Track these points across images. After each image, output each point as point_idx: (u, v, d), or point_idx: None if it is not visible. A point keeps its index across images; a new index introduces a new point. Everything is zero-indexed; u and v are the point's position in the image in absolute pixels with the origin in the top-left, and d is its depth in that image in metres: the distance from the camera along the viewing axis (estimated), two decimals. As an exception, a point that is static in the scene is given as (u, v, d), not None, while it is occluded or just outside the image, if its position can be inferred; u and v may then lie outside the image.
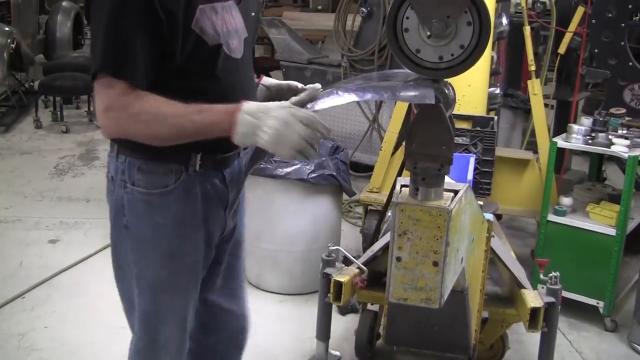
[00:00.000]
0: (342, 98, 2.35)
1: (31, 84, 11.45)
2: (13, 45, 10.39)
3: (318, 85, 2.54)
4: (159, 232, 2.61)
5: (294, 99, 2.38)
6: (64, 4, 14.03)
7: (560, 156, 6.03)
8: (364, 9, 7.72)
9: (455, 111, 2.43)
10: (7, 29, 10.63)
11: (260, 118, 2.29)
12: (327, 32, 11.62)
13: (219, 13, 2.52)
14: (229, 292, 3.08)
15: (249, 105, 2.34)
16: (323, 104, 2.38)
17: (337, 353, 4.48)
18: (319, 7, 21.96)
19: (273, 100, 2.66)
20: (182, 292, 2.75)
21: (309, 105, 2.40)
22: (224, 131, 2.33)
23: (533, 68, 6.03)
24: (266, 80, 2.86)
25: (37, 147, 9.17)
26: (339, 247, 3.87)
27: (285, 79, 3.01)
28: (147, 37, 2.35)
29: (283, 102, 2.35)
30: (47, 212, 6.97)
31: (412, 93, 2.21)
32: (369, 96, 2.34)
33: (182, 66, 2.45)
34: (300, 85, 2.80)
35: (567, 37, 6.90)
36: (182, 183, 2.58)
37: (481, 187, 5.09)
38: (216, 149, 2.57)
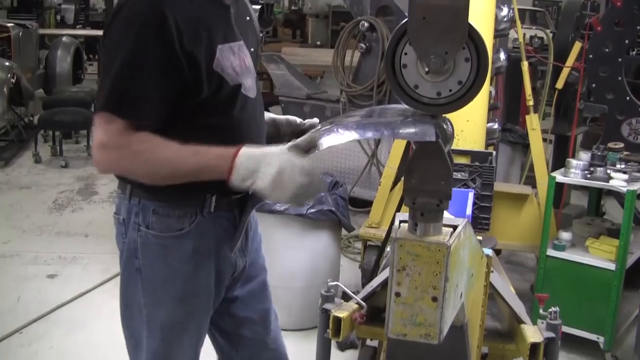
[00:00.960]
0: (343, 136, 2.34)
1: (31, 118, 11.50)
2: (13, 80, 10.44)
3: (316, 120, 2.55)
4: (173, 274, 2.61)
5: (292, 143, 2.33)
6: (64, 39, 14.13)
7: (559, 191, 6.03)
8: (363, 45, 7.76)
9: (454, 146, 2.44)
10: (7, 63, 10.69)
11: (259, 163, 2.29)
12: (326, 67, 11.66)
13: (235, 53, 2.55)
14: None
15: (247, 150, 2.34)
16: (325, 142, 2.37)
17: (336, 389, 4.45)
18: (318, 43, 22.09)
19: (272, 135, 2.67)
20: (193, 332, 2.74)
21: (319, 139, 2.38)
22: (221, 174, 2.34)
23: (531, 103, 6.06)
24: (265, 115, 2.86)
25: (36, 181, 9.18)
26: (338, 283, 3.86)
27: (284, 114, 3.02)
28: (163, 80, 2.37)
29: (282, 147, 2.32)
30: (45, 246, 6.96)
31: (412, 130, 2.21)
32: (369, 134, 2.34)
33: (205, 105, 2.47)
34: (299, 120, 2.81)
35: (565, 72, 6.94)
36: (196, 225, 2.58)
37: (480, 222, 5.09)
38: (230, 190, 2.58)
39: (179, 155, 2.36)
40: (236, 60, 2.55)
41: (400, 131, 2.23)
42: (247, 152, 2.33)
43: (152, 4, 2.34)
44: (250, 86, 2.63)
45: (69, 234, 7.34)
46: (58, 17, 21.82)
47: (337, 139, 2.35)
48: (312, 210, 5.21)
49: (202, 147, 2.37)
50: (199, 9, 2.45)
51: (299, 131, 2.69)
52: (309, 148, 2.30)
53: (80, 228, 7.49)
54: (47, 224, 7.61)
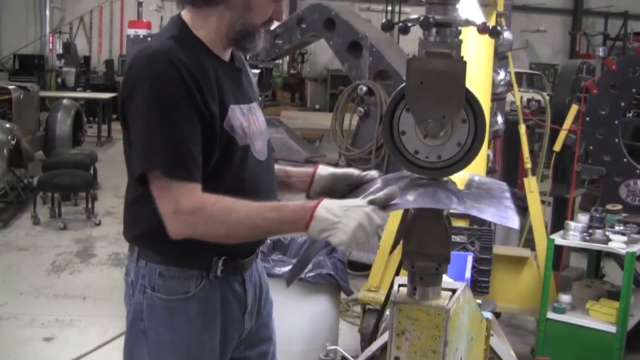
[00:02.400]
0: (428, 202, 2.27)
1: (30, 180, 11.50)
2: (13, 142, 10.48)
3: (375, 173, 2.53)
4: (178, 337, 2.59)
5: (372, 197, 2.29)
6: (64, 101, 14.24)
7: (559, 253, 6.03)
8: (361, 109, 7.82)
9: (453, 209, 2.43)
10: (7, 125, 10.74)
11: (339, 217, 2.26)
12: (324, 130, 11.76)
13: (245, 114, 2.58)
14: None
15: (328, 202, 2.31)
16: (416, 203, 2.27)
17: None
18: (317, 106, 22.29)
19: (329, 190, 2.69)
20: None
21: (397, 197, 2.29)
22: (300, 226, 2.31)
23: (529, 165, 6.08)
24: (322, 169, 2.83)
25: (34, 243, 9.15)
26: (337, 347, 3.85)
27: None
28: (197, 134, 2.38)
29: (360, 201, 2.29)
30: (42, 309, 6.91)
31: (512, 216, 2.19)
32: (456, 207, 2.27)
33: (216, 166, 2.47)
34: (356, 172, 2.77)
35: (562, 134, 6.98)
36: (203, 288, 2.57)
37: (479, 285, 5.08)
38: (237, 254, 2.56)
39: (256, 214, 2.35)
40: (246, 121, 2.57)
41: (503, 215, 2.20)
42: (328, 205, 2.31)
43: (167, 62, 2.37)
44: (260, 149, 2.64)
45: (67, 297, 7.29)
46: (59, 80, 22.01)
47: (420, 203, 2.28)
48: (311, 274, 5.19)
49: (279, 203, 2.38)
50: (210, 70, 2.48)
51: (355, 184, 2.67)
52: (387, 204, 2.26)
53: (78, 291, 7.45)
54: (45, 286, 7.56)
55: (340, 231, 2.24)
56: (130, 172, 2.55)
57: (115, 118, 18.15)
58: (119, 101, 2.51)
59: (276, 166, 2.87)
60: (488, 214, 2.17)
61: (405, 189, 2.26)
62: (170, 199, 2.36)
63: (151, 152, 2.37)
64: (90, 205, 10.26)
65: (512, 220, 2.16)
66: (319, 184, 2.79)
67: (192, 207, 2.35)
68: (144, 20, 18.62)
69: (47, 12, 25.06)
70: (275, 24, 2.75)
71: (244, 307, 2.73)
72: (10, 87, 12.66)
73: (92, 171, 10.86)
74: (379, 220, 2.24)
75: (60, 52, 22.89)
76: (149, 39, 12.23)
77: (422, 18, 2.13)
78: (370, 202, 2.25)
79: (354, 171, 2.78)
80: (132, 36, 13.44)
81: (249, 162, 2.58)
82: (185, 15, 2.59)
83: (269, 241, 5.61)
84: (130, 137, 2.44)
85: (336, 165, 8.06)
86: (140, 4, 19.68)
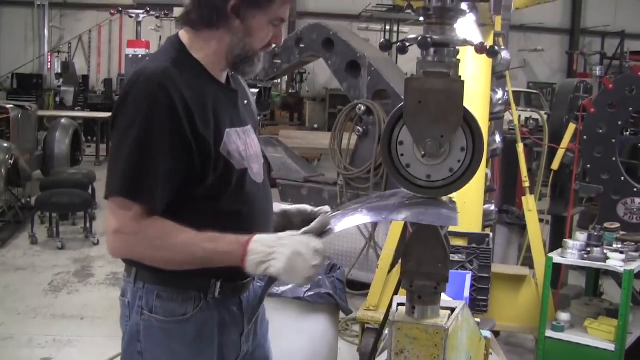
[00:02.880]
0: (360, 217, 2.36)
1: (28, 199, 11.49)
2: (11, 161, 10.47)
3: (327, 208, 2.56)
4: (175, 359, 2.59)
5: (305, 228, 2.37)
6: (62, 121, 14.25)
7: (557, 271, 6.03)
8: (360, 128, 7.83)
9: (451, 228, 2.45)
10: (5, 145, 10.73)
11: (273, 247, 2.31)
12: (323, 150, 11.77)
13: (241, 137, 2.60)
14: None
15: (261, 236, 2.36)
16: (341, 224, 2.38)
17: None
18: (315, 126, 22.31)
19: (283, 225, 2.69)
20: None
21: (331, 224, 2.40)
22: (236, 260, 2.35)
23: (527, 184, 6.09)
24: (275, 206, 2.85)
25: (32, 263, 9.13)
26: (336, 366, 3.83)
27: (281, 198, 3.05)
28: (171, 161, 2.39)
29: (295, 232, 2.36)
30: (40, 329, 6.89)
31: (432, 215, 2.21)
32: (385, 217, 2.36)
33: (212, 190, 2.49)
34: (309, 208, 2.80)
35: (560, 153, 6.99)
36: (200, 310, 2.58)
37: (478, 304, 5.07)
38: (236, 276, 2.57)
39: (194, 242, 2.38)
40: (242, 144, 2.59)
41: (422, 216, 2.22)
42: (260, 238, 2.35)
43: (160, 86, 2.38)
44: (257, 171, 2.66)
45: (65, 317, 7.27)
46: (57, 99, 22.03)
47: (354, 220, 2.36)
48: (309, 294, 5.18)
49: (216, 234, 2.38)
50: (206, 93, 2.50)
51: (310, 220, 2.70)
52: (322, 232, 2.31)
53: (76, 310, 7.43)
54: (43, 306, 7.55)
55: (276, 260, 2.29)
56: None
57: (113, 137, 18.15)
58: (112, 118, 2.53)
59: None
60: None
61: (399, 206, 2.28)
62: (116, 217, 2.40)
63: (114, 171, 2.42)
64: (88, 224, 10.25)
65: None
66: (277, 223, 2.80)
67: (134, 229, 2.38)
68: (143, 40, 18.67)
69: (46, 32, 25.10)
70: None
71: (241, 329, 2.73)
72: (9, 106, 12.67)
73: (90, 191, 10.86)
74: (315, 245, 2.29)
75: (59, 71, 22.90)
76: (147, 58, 12.32)
77: (420, 38, 2.14)
78: (304, 232, 2.33)
79: (307, 207, 2.82)
80: (130, 56, 13.51)
81: (247, 184, 2.59)
82: (184, 35, 2.60)
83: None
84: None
85: (334, 184, 8.07)
86: (139, 24, 19.72)
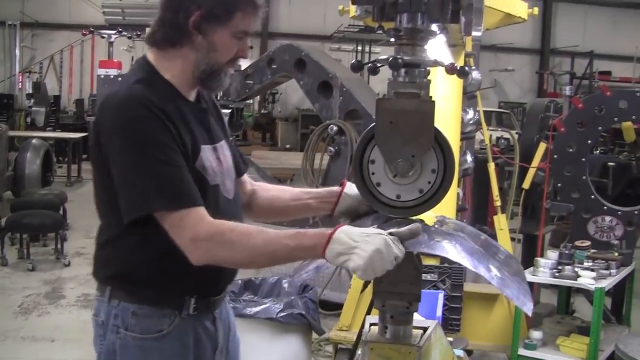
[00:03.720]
0: (455, 254, 2.26)
1: (-2, 220, 11.38)
2: (-19, 183, 10.39)
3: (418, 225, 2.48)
4: None
5: (394, 230, 2.25)
6: (33, 141, 14.14)
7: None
8: (332, 148, 7.83)
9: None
10: (-25, 166, 10.66)
11: (357, 242, 2.22)
12: (295, 170, 11.76)
13: (214, 154, 2.62)
14: None
15: (347, 227, 2.29)
16: (421, 248, 2.28)
17: None
18: (288, 146, 22.30)
19: (354, 210, 2.70)
20: None
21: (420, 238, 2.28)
22: (317, 253, 2.29)
23: (499, 203, 6.12)
24: (350, 188, 2.80)
25: (1, 285, 9.04)
26: (309, 387, 3.82)
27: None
28: (181, 161, 2.43)
29: (383, 231, 2.24)
30: (10, 352, 6.82)
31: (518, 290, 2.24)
32: (480, 269, 2.28)
33: None
34: None
35: (531, 172, 7.04)
36: (175, 327, 2.58)
37: (450, 323, 5.08)
38: (209, 292, 2.57)
39: (275, 240, 2.35)
40: (215, 161, 2.61)
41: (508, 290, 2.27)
42: (347, 229, 2.28)
43: (140, 105, 2.40)
44: (228, 187, 2.68)
45: (35, 339, 7.20)
46: (28, 119, 21.87)
47: (439, 250, 2.27)
48: (282, 314, 5.17)
49: (297, 230, 2.36)
50: (179, 111, 2.52)
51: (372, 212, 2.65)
52: (409, 238, 2.23)
53: (46, 333, 7.36)
54: (12, 328, 7.47)
55: (357, 256, 2.19)
56: (102, 215, 2.61)
57: (85, 158, 18.06)
58: (92, 146, 2.52)
59: (295, 188, 2.95)
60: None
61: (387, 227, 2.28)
62: (184, 228, 2.38)
63: (149, 194, 2.39)
64: (59, 246, 10.16)
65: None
66: (345, 203, 2.79)
67: (208, 233, 2.37)
68: (115, 60, 18.65)
69: (17, 51, 24.99)
70: (243, 62, 2.78)
71: (215, 345, 2.74)
72: (-21, 127, 12.57)
73: (61, 211, 10.77)
74: (397, 251, 2.18)
75: (30, 91, 22.78)
76: (120, 79, 12.28)
77: (391, 59, 2.16)
78: (392, 234, 2.22)
79: None
80: (102, 76, 13.47)
81: (220, 200, 2.60)
82: (151, 56, 2.62)
83: (239, 281, 5.60)
84: (115, 183, 2.44)
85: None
86: (111, 44, 19.68)
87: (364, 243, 2.19)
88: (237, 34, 2.58)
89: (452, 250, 2.26)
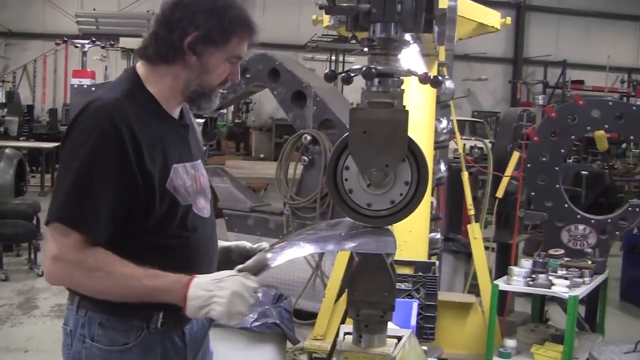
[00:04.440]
0: (302, 249, 2.36)
1: (-30, 231, 11.27)
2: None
3: (265, 244, 2.56)
4: None
5: (242, 266, 2.36)
6: (6, 151, 14.01)
7: (503, 298, 6.08)
8: (306, 158, 7.83)
9: (397, 257, 2.45)
10: (-53, 176, 10.55)
11: (212, 290, 2.30)
12: (269, 180, 11.75)
13: (189, 173, 2.60)
14: None
15: (198, 279, 2.34)
16: (282, 257, 2.36)
17: None
18: (261, 155, 22.29)
19: (222, 263, 2.70)
20: None
21: (268, 260, 2.38)
22: (177, 300, 2.34)
23: (472, 212, 6.15)
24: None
25: (-26, 296, 8.97)
26: (284, 396, 3.81)
27: (228, 228, 3.04)
28: (115, 193, 2.38)
29: (232, 271, 2.34)
30: (-18, 364, 6.76)
31: (372, 243, 2.21)
32: (330, 247, 2.37)
33: (158, 224, 2.48)
34: (248, 245, 2.81)
35: (505, 181, 7.07)
36: (142, 340, 2.55)
37: (425, 331, 5.09)
38: (178, 307, 2.56)
39: (134, 276, 2.36)
40: (189, 180, 2.59)
41: (357, 244, 2.24)
42: (199, 282, 2.33)
43: (109, 118, 2.38)
44: (202, 206, 2.65)
45: (8, 350, 7.14)
46: (1, 129, 21.68)
47: (296, 252, 2.36)
48: (256, 324, 5.16)
49: (158, 271, 2.37)
50: (157, 127, 2.50)
51: (248, 256, 2.69)
52: (258, 269, 2.31)
53: (19, 343, 7.29)
54: (-15, 340, 7.41)
55: (216, 304, 2.29)
56: None
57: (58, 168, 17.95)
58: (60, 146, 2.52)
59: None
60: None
61: (347, 235, 2.29)
62: (55, 243, 2.39)
63: (57, 200, 2.40)
64: (32, 256, 10.09)
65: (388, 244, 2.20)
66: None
67: (73, 257, 2.37)
68: (89, 70, 18.52)
69: (-10, 61, 24.87)
70: None
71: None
72: (-49, 137, 12.46)
73: (35, 221, 10.68)
74: (253, 284, 2.29)
75: (3, 100, 22.59)
76: (93, 88, 12.18)
77: (364, 68, 2.16)
78: (240, 270, 2.32)
79: (245, 243, 2.85)
80: (76, 85, 13.35)
81: (190, 219, 2.58)
82: (140, 68, 2.61)
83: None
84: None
85: (280, 214, 8.05)
86: (84, 54, 19.52)
87: (219, 290, 2.30)
88: (231, 58, 2.59)
89: (292, 251, 2.36)
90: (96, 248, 2.38)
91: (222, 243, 2.87)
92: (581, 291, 5.48)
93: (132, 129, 2.39)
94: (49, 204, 2.44)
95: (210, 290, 2.30)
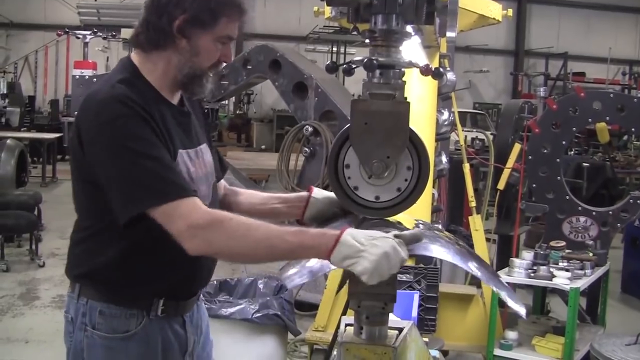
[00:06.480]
0: (448, 255, 2.30)
1: (-28, 222, 11.28)
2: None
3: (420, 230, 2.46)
4: None
5: (398, 232, 2.23)
6: (8, 141, 14.02)
7: (504, 290, 6.06)
8: (307, 149, 7.83)
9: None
10: (-51, 167, 10.56)
11: (364, 244, 2.17)
12: (270, 171, 11.74)
13: (192, 159, 2.60)
14: None
15: (353, 230, 2.24)
16: (425, 251, 2.29)
17: None
18: (263, 147, 22.28)
19: (324, 213, 2.69)
20: None
21: (424, 240, 2.29)
22: (320, 254, 2.25)
23: (474, 204, 6.14)
24: (317, 192, 2.80)
25: (-25, 287, 8.98)
26: (285, 388, 3.82)
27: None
28: (169, 158, 2.45)
29: (388, 234, 2.21)
30: (-16, 354, 6.77)
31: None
32: (470, 266, 2.33)
33: None
34: None
35: (506, 173, 7.06)
36: (143, 328, 2.56)
37: (426, 323, 5.09)
38: (179, 295, 2.56)
39: (276, 235, 2.30)
40: (192, 166, 2.60)
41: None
42: (354, 232, 2.22)
43: (123, 102, 2.39)
44: (204, 193, 2.65)
45: (9, 340, 7.15)
46: (3, 120, 21.65)
47: (434, 252, 2.30)
48: (257, 315, 5.16)
49: (299, 228, 2.36)
50: (161, 114, 2.51)
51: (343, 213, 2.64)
52: (413, 242, 2.22)
53: (20, 334, 7.30)
54: (-14, 330, 7.43)
55: (364, 259, 2.15)
56: (78, 212, 2.60)
57: (60, 159, 17.93)
58: (72, 144, 2.49)
59: (264, 193, 2.97)
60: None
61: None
62: (179, 217, 2.33)
63: (139, 192, 2.37)
64: (34, 246, 10.09)
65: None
66: (314, 207, 2.77)
67: (205, 220, 2.34)
68: (90, 61, 18.52)
69: (-9, 52, 24.85)
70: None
71: (184, 348, 2.73)
72: (-48, 128, 12.47)
73: (36, 212, 10.70)
74: (403, 255, 2.16)
75: (5, 91, 22.58)
76: (95, 79, 12.17)
77: (365, 60, 2.16)
78: (397, 237, 2.19)
79: None
80: (77, 76, 13.36)
81: None
82: (135, 57, 2.62)
83: (215, 282, 5.58)
84: (104, 183, 2.42)
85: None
86: (86, 45, 19.54)
87: (371, 247, 2.16)
88: (221, 39, 2.58)
89: (442, 251, 2.28)
90: (220, 210, 2.40)
91: (324, 192, 2.80)
92: (582, 283, 5.48)
93: (144, 108, 2.41)
94: (124, 199, 2.40)
95: (363, 244, 2.17)
